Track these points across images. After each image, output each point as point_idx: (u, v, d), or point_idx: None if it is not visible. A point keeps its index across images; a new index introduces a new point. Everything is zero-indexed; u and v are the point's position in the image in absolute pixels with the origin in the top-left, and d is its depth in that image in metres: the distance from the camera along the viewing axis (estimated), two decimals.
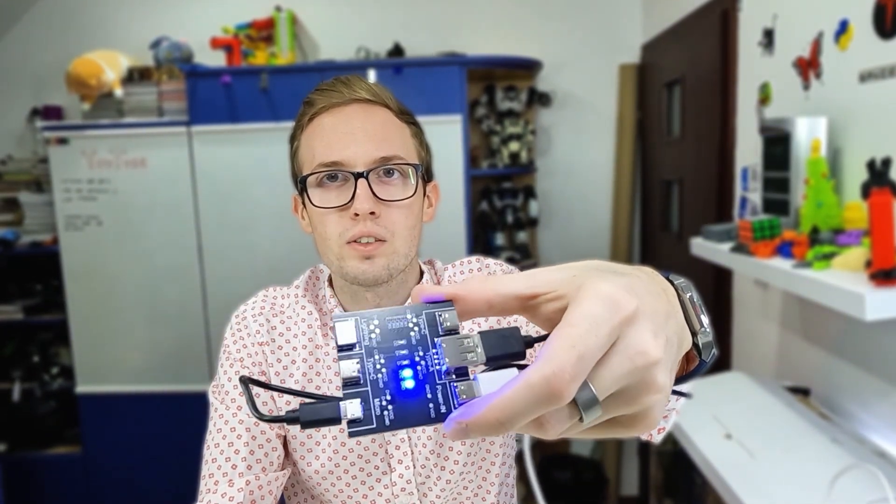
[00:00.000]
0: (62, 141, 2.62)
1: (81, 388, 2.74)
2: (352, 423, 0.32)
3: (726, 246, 1.65)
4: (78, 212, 2.65)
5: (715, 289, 2.26)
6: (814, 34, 1.60)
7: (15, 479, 2.79)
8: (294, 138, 0.89)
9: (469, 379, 0.33)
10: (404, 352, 0.33)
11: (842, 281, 1.18)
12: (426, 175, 0.89)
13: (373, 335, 0.34)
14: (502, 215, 2.94)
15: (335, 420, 0.33)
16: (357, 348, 0.33)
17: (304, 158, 0.85)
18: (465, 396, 0.32)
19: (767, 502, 1.25)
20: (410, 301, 0.36)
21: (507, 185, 2.98)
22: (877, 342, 1.44)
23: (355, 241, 0.80)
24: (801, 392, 1.70)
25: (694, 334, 0.42)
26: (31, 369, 2.95)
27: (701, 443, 1.49)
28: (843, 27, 1.48)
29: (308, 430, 0.86)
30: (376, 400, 0.32)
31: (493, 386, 0.31)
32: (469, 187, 2.59)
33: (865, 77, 1.42)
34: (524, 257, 2.95)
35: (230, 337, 0.90)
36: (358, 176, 0.79)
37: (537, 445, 2.95)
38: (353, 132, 0.81)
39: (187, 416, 2.50)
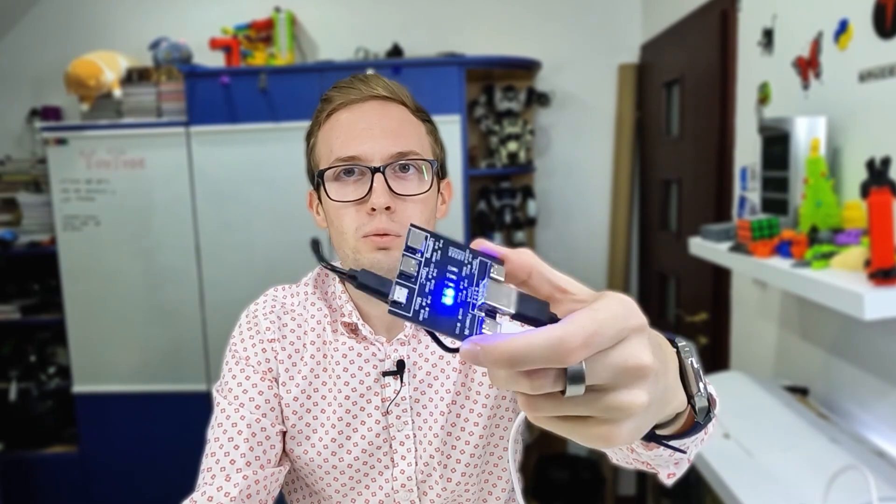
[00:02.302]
0: (61, 141, 2.61)
1: (78, 387, 2.74)
2: (395, 303, 0.37)
3: (725, 245, 1.65)
4: (76, 212, 2.64)
5: (713, 288, 2.26)
6: (813, 34, 1.61)
7: (12, 478, 2.79)
8: (311, 135, 0.90)
9: (495, 320, 0.38)
10: (453, 277, 0.39)
11: (840, 280, 1.18)
12: (440, 172, 0.90)
13: (435, 253, 0.39)
14: (500, 215, 2.94)
15: (384, 294, 0.38)
16: (419, 255, 0.39)
17: (322, 154, 0.86)
18: (486, 330, 0.37)
19: (765, 501, 1.25)
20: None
21: (505, 185, 2.98)
22: (875, 342, 1.44)
23: (370, 237, 0.81)
24: (800, 391, 1.70)
25: (691, 397, 0.46)
26: (28, 369, 2.95)
27: None
28: (843, 27, 1.48)
29: (306, 419, 0.87)
30: (419, 298, 0.37)
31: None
32: (467, 187, 2.59)
33: (865, 77, 1.42)
34: None
35: (237, 336, 0.90)
36: (375, 170, 0.80)
37: (535, 445, 2.95)
38: (370, 128, 0.83)
39: (184, 415, 2.50)
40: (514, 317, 0.38)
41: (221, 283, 2.64)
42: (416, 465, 0.86)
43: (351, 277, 0.39)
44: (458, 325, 0.37)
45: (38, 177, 2.86)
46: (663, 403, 0.42)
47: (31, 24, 3.04)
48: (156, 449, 2.72)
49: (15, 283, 2.97)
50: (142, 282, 2.67)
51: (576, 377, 0.35)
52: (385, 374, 0.87)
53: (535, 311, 0.38)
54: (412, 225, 0.40)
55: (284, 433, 0.87)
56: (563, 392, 0.36)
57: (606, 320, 0.35)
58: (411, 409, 0.87)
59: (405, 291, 0.37)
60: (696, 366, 0.46)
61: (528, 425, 2.38)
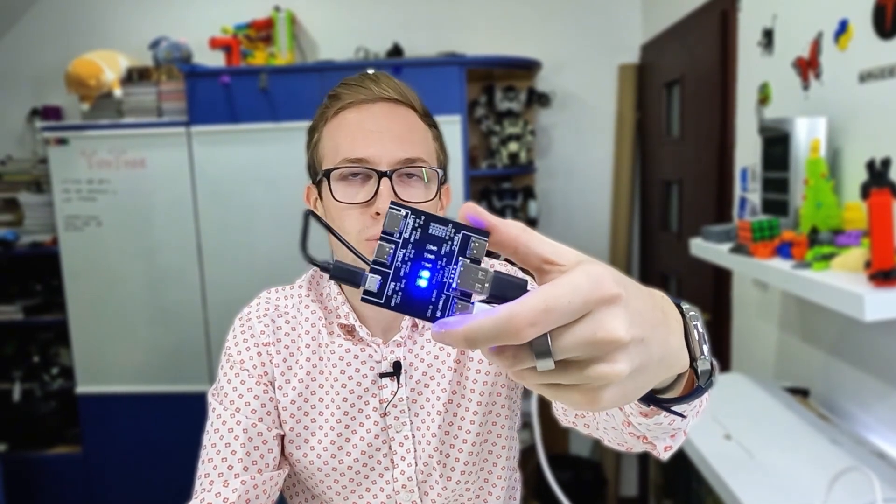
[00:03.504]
0: (62, 141, 2.62)
1: (81, 388, 2.74)
2: (367, 292, 0.38)
3: (726, 246, 1.65)
4: (77, 212, 2.65)
5: (714, 289, 2.26)
6: (813, 34, 1.60)
7: (15, 478, 2.79)
8: (315, 130, 0.89)
9: (468, 301, 0.38)
10: (431, 256, 0.39)
11: (841, 281, 1.18)
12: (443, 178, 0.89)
13: (415, 232, 0.39)
14: (501, 216, 2.93)
15: (357, 284, 0.39)
16: (396, 236, 0.39)
17: (326, 151, 0.85)
18: (459, 313, 0.38)
19: (766, 502, 1.25)
20: (459, 213, 0.40)
21: (506, 186, 2.98)
22: (876, 343, 1.44)
23: (373, 240, 0.81)
24: (801, 393, 1.70)
25: (694, 360, 0.46)
26: (31, 369, 2.95)
27: (700, 443, 1.49)
28: (843, 27, 1.48)
29: (304, 422, 0.87)
30: (392, 283, 0.38)
31: None
32: (468, 188, 2.59)
33: (865, 77, 1.42)
34: None
35: (232, 339, 0.90)
36: (382, 175, 0.80)
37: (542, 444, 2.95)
38: (379, 131, 0.82)
39: (187, 416, 2.51)
40: (489, 298, 0.38)
41: (223, 283, 2.65)
42: (416, 465, 0.87)
43: (325, 269, 0.40)
44: (431, 307, 0.38)
45: (39, 177, 2.87)
46: (664, 367, 0.42)
47: (31, 24, 3.04)
48: (159, 449, 2.72)
49: (17, 284, 2.97)
50: (144, 282, 2.68)
51: (541, 353, 0.36)
52: (382, 375, 0.87)
53: (510, 293, 0.37)
54: (392, 204, 0.39)
55: (282, 437, 0.87)
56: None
57: (562, 296, 0.35)
58: (409, 409, 0.87)
59: (377, 279, 0.38)
60: (700, 330, 0.46)
61: (526, 425, 2.38)
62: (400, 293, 0.38)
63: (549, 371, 0.37)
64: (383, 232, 0.39)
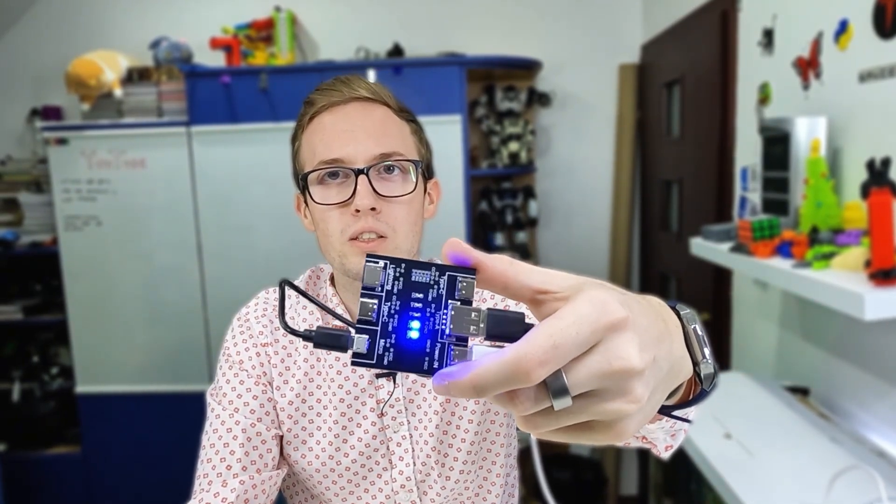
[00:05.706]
0: (62, 141, 2.62)
1: (81, 388, 2.74)
2: (356, 355, 0.36)
3: (726, 246, 1.65)
4: (77, 212, 2.65)
5: (714, 289, 2.26)
6: (813, 34, 1.61)
7: (15, 478, 2.79)
8: (295, 138, 0.90)
9: (465, 346, 0.36)
10: (418, 305, 0.36)
11: (841, 281, 1.18)
12: (427, 172, 0.89)
13: (397, 282, 0.37)
14: (502, 215, 2.94)
15: (343, 348, 0.37)
16: (378, 290, 0.37)
17: (306, 157, 0.86)
18: (457, 360, 0.35)
19: (766, 502, 1.25)
20: (442, 250, 0.38)
21: (506, 186, 2.98)
22: (876, 342, 1.44)
23: (357, 238, 0.81)
24: (801, 392, 1.70)
25: (696, 364, 0.44)
26: (30, 369, 2.95)
27: (700, 442, 1.49)
28: (843, 27, 1.48)
29: (302, 423, 0.87)
30: (382, 340, 0.36)
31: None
32: (468, 187, 2.59)
33: (865, 77, 1.42)
34: (524, 257, 2.94)
35: (230, 339, 0.90)
36: (358, 172, 0.80)
37: (538, 445, 2.94)
38: (352, 130, 0.82)
39: (186, 416, 2.50)
40: (488, 339, 0.36)
41: (223, 283, 2.64)
42: (415, 465, 0.87)
43: (307, 338, 0.39)
44: (427, 359, 0.36)
45: (39, 177, 2.86)
46: (671, 378, 0.40)
47: (31, 24, 3.04)
48: (158, 449, 2.72)
49: (17, 284, 2.97)
50: (144, 282, 2.68)
51: (558, 392, 0.34)
52: (378, 375, 0.87)
53: (508, 329, 0.35)
54: (368, 256, 0.37)
55: (281, 437, 0.87)
56: (552, 407, 0.35)
57: (568, 328, 0.33)
58: (406, 409, 0.87)
59: (365, 339, 0.36)
60: (699, 332, 0.45)
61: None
62: (392, 349, 0.36)
63: (565, 410, 0.35)
64: (364, 287, 0.36)
